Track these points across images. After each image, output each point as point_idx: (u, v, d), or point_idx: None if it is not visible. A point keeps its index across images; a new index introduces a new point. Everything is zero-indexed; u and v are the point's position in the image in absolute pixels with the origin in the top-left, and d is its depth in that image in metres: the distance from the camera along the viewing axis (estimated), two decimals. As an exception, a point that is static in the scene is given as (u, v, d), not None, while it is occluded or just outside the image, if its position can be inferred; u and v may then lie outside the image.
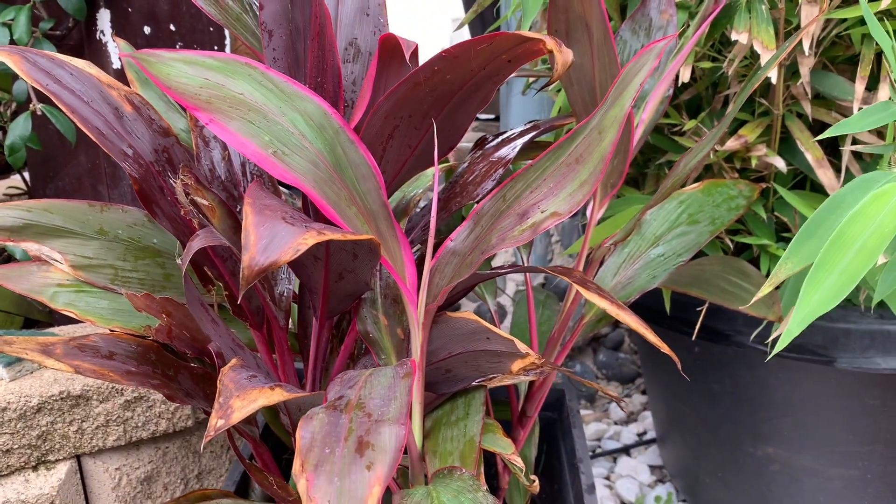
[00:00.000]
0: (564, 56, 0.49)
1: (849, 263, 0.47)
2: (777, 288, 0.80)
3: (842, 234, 0.48)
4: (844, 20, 0.72)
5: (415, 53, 0.58)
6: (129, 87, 0.69)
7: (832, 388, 0.86)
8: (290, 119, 0.53)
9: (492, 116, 1.98)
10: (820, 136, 0.55)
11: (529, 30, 0.84)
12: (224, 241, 0.58)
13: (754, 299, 0.55)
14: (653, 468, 1.24)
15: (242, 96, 0.53)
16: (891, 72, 0.56)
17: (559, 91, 1.03)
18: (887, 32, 0.57)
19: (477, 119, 1.99)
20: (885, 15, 0.70)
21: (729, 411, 0.96)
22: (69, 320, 1.08)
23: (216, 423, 0.46)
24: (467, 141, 1.69)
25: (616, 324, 1.55)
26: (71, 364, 0.56)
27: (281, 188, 0.81)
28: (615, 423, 1.36)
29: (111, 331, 0.65)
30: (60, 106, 0.59)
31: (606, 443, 1.30)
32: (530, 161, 0.57)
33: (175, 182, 0.59)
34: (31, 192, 1.20)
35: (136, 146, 0.63)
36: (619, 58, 0.73)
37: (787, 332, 0.48)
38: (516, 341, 0.56)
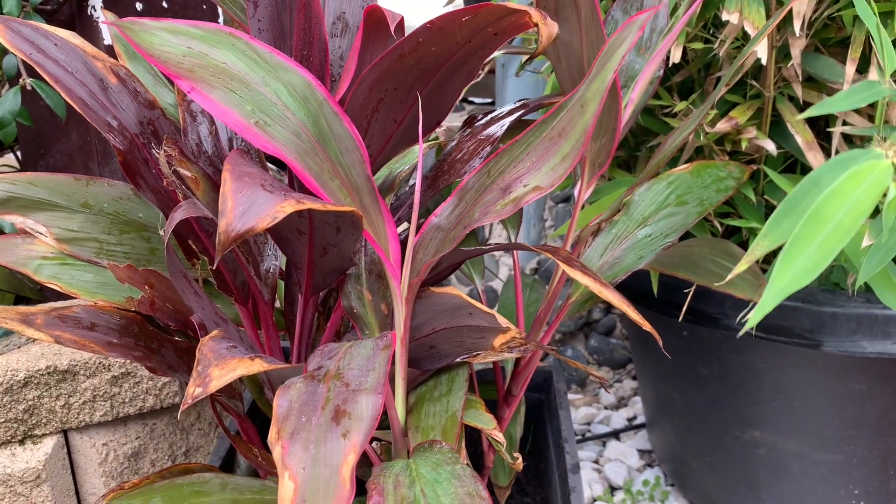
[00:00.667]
0: (549, 28, 0.49)
1: (824, 240, 0.47)
2: (765, 271, 0.80)
3: (818, 211, 0.47)
4: (836, 1, 0.72)
5: (400, 25, 0.58)
6: (117, 60, 0.68)
7: (819, 373, 0.86)
8: (273, 90, 0.53)
9: (488, 100, 1.97)
10: (803, 115, 0.54)
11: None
12: (207, 213, 0.57)
13: (731, 276, 0.55)
14: (642, 452, 1.24)
15: (225, 66, 0.52)
16: (877, 52, 0.56)
17: (552, 72, 1.02)
18: (874, 12, 0.56)
19: (473, 103, 1.98)
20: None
21: (716, 395, 0.96)
22: (60, 297, 1.08)
23: (193, 391, 0.46)
24: (458, 121, 1.68)
25: (608, 309, 1.55)
26: (51, 334, 0.56)
27: (270, 165, 0.81)
28: (605, 408, 1.37)
29: (94, 303, 0.65)
30: (44, 75, 0.59)
31: (596, 427, 1.31)
32: (514, 138, 0.57)
33: (159, 154, 0.59)
34: (23, 169, 1.19)
35: (120, 118, 0.63)
36: (607, 36, 0.73)
37: (760, 307, 0.48)
38: (497, 316, 0.56)
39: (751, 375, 0.91)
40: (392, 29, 0.56)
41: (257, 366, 0.49)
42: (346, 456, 0.42)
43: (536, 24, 0.50)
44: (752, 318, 0.48)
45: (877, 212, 0.51)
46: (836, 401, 0.87)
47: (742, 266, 0.51)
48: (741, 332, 0.62)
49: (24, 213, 0.68)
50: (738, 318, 0.82)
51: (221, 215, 0.42)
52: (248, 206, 0.43)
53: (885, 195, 0.49)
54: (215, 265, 0.59)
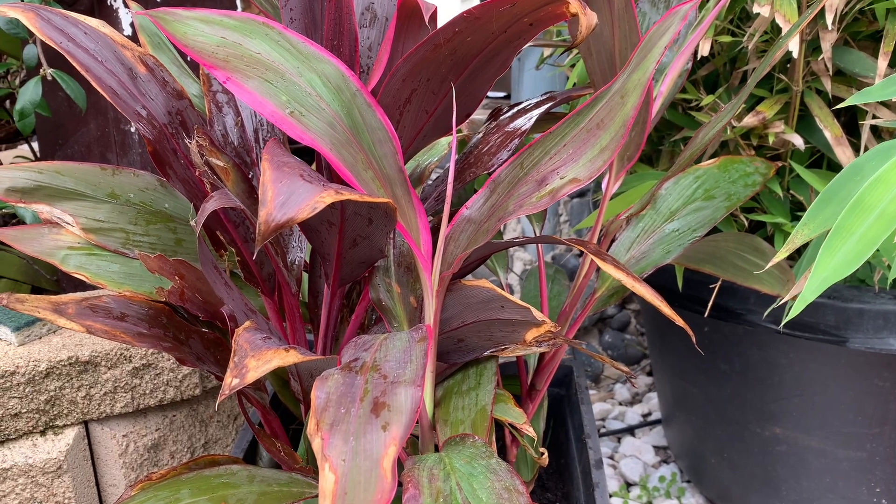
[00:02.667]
0: (589, 19, 0.49)
1: (867, 229, 0.46)
2: (791, 266, 0.80)
3: (861, 199, 0.47)
4: (869, -6, 0.71)
5: (434, 16, 0.57)
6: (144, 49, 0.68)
7: (842, 369, 0.86)
8: (307, 80, 0.53)
9: (503, 94, 1.96)
10: (842, 105, 0.54)
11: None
12: (238, 204, 0.57)
13: (769, 265, 0.54)
14: (657, 449, 1.24)
15: (260, 56, 0.52)
16: None
17: (573, 66, 1.02)
18: None
19: (487, 97, 1.98)
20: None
21: (736, 391, 0.96)
22: (76, 289, 1.08)
23: (231, 381, 0.45)
24: (479, 115, 1.68)
25: (622, 305, 1.55)
26: (83, 324, 0.56)
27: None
28: (620, 404, 1.36)
29: (122, 293, 0.65)
30: (74, 64, 0.58)
31: (611, 423, 1.30)
32: (546, 130, 0.57)
33: (190, 143, 0.58)
34: (40, 160, 1.19)
35: (149, 107, 0.63)
36: (640, 28, 0.72)
37: (802, 297, 0.48)
38: (532, 309, 0.55)
39: (772, 371, 0.91)
40: (426, 19, 0.56)
41: (293, 357, 0.48)
42: (386, 448, 0.42)
43: (574, 15, 0.50)
44: (794, 307, 0.48)
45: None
46: (860, 397, 0.87)
47: (782, 255, 0.51)
48: (781, 325, 0.61)
49: (50, 202, 0.67)
50: (766, 313, 0.82)
51: (262, 205, 0.42)
52: (289, 196, 0.43)
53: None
54: (255, 255, 0.59)
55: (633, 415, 1.32)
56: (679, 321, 0.57)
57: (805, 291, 0.47)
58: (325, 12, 0.60)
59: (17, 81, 1.25)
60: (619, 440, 1.27)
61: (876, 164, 0.49)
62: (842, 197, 0.49)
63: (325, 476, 0.40)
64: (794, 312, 0.48)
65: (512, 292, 1.57)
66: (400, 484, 0.50)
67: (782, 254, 0.52)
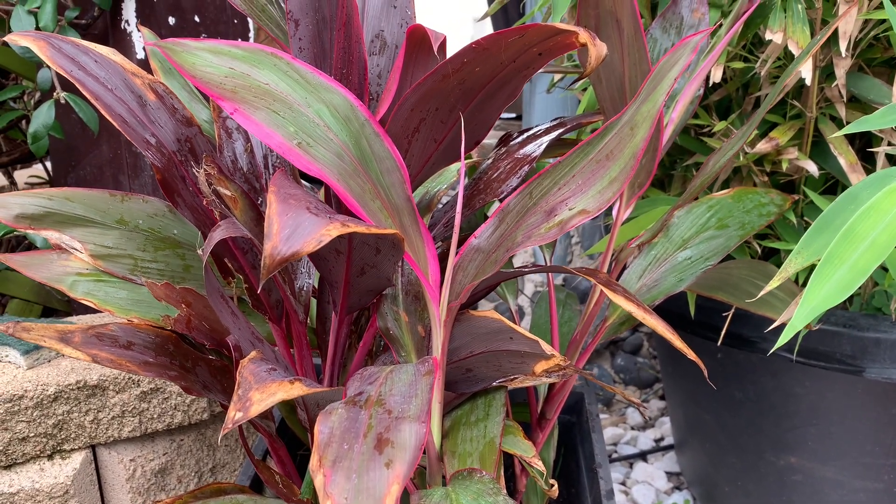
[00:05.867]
0: (598, 49, 0.48)
1: (859, 258, 0.45)
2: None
3: (853, 228, 0.46)
4: (884, 21, 0.70)
5: (443, 45, 0.57)
6: (153, 76, 0.68)
7: (859, 399, 0.84)
8: (315, 110, 0.53)
9: (513, 115, 1.97)
10: (841, 132, 0.53)
11: (557, 26, 0.83)
12: (246, 233, 0.57)
13: (762, 293, 0.53)
14: (670, 475, 1.22)
15: (268, 86, 0.52)
16: None
17: (584, 90, 1.01)
18: None
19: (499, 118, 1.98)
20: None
21: (751, 419, 0.94)
22: (88, 310, 1.08)
23: (234, 415, 0.45)
24: (489, 139, 1.68)
25: (635, 328, 1.53)
26: (88, 353, 0.55)
27: (303, 181, 0.81)
28: (632, 429, 1.35)
29: (129, 321, 0.65)
30: (84, 93, 0.59)
31: (623, 448, 1.29)
32: (556, 158, 0.56)
33: (198, 172, 0.58)
34: (53, 182, 1.20)
35: (158, 135, 0.63)
36: (650, 56, 0.72)
37: (791, 325, 0.47)
38: (541, 342, 0.55)
39: (787, 400, 0.89)
40: (435, 49, 0.56)
41: (297, 390, 0.48)
42: (389, 486, 0.41)
43: (584, 45, 0.49)
44: (783, 336, 0.47)
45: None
46: (877, 428, 0.85)
47: (774, 283, 0.50)
48: (770, 352, 0.60)
49: (59, 228, 0.67)
50: (767, 337, 0.80)
51: (267, 238, 0.42)
52: (294, 230, 0.42)
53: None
54: (259, 289, 0.59)
55: (646, 439, 1.30)
56: (691, 354, 0.56)
57: (794, 319, 0.47)
58: (334, 41, 0.60)
59: (32, 103, 1.26)
60: (631, 466, 1.25)
61: (871, 192, 0.48)
62: (836, 225, 0.48)
63: (328, 515, 0.39)
64: (782, 340, 0.48)
65: (523, 316, 1.56)
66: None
67: (775, 282, 0.51)
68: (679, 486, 1.20)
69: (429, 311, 0.58)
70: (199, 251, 0.69)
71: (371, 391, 0.48)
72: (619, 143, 0.50)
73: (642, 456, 1.26)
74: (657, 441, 1.30)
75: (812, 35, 0.72)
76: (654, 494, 1.17)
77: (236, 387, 0.47)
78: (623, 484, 1.21)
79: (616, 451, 1.28)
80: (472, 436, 0.60)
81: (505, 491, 0.53)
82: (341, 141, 0.52)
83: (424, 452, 0.62)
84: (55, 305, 1.21)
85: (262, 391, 0.47)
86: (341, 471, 0.42)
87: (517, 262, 1.69)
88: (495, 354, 0.59)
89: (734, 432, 0.98)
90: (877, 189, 0.49)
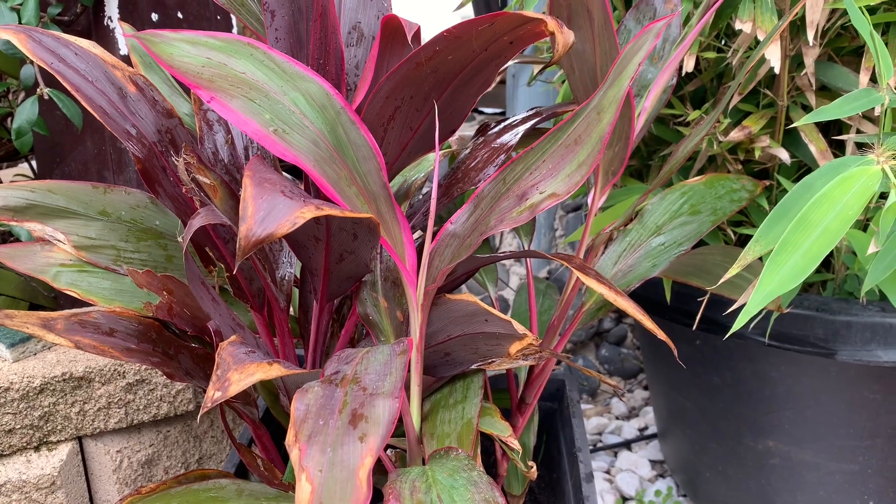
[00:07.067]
0: (565, 37, 0.50)
1: (811, 245, 0.47)
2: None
3: (805, 216, 0.48)
4: (849, 10, 0.72)
5: (417, 35, 0.58)
6: (135, 69, 0.69)
7: (833, 382, 0.86)
8: (291, 98, 0.54)
9: (499, 110, 1.98)
10: (804, 120, 0.55)
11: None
12: (225, 220, 0.58)
13: (723, 280, 0.55)
14: (653, 463, 1.24)
15: (244, 75, 0.53)
16: (873, 59, 0.56)
17: (564, 82, 1.03)
18: (868, 21, 0.56)
19: (483, 113, 1.99)
20: (891, 4, 0.70)
21: (729, 405, 0.96)
22: (73, 306, 1.09)
23: (213, 394, 0.46)
24: (469, 130, 1.69)
25: (619, 319, 1.55)
26: (71, 339, 0.56)
27: (286, 175, 0.82)
28: (616, 418, 1.36)
29: (112, 309, 0.66)
30: (65, 84, 0.59)
31: (607, 437, 1.30)
32: (530, 146, 0.57)
33: (177, 161, 0.59)
34: (38, 178, 1.20)
35: (139, 126, 0.64)
36: (620, 45, 0.73)
37: (746, 311, 0.49)
38: (514, 322, 0.56)
39: (764, 384, 0.91)
40: (409, 38, 0.57)
41: (276, 370, 0.49)
42: (363, 459, 0.42)
43: (552, 33, 0.51)
44: (738, 321, 0.49)
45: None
46: (851, 410, 0.87)
47: (734, 270, 0.52)
48: (726, 336, 0.62)
49: (42, 220, 0.68)
50: (741, 324, 0.82)
51: (242, 220, 0.43)
52: (269, 212, 0.44)
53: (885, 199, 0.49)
54: (234, 270, 0.60)
55: (630, 429, 1.32)
56: (660, 334, 0.57)
57: (749, 304, 0.48)
58: (310, 32, 0.61)
59: (17, 101, 1.27)
60: (615, 454, 1.27)
61: (825, 181, 0.50)
62: (792, 214, 0.50)
63: (302, 486, 0.41)
64: (738, 325, 0.50)
65: (507, 309, 1.57)
66: (382, 495, 0.51)
67: (734, 269, 0.53)
68: (662, 473, 1.22)
69: (406, 296, 0.59)
70: (180, 239, 0.70)
71: (347, 370, 0.49)
72: (587, 127, 0.51)
73: (626, 445, 1.28)
74: (641, 430, 1.32)
75: (781, 24, 0.74)
76: (637, 482, 1.18)
77: (215, 367, 0.48)
78: (608, 472, 1.22)
79: (601, 441, 1.30)
80: (451, 417, 0.61)
81: (482, 467, 0.54)
82: (317, 128, 0.53)
83: (405, 435, 0.63)
84: (41, 302, 1.22)
85: (240, 371, 0.48)
86: (316, 444, 0.43)
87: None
88: (472, 337, 0.61)
89: (714, 418, 1.00)
90: (831, 178, 0.50)
